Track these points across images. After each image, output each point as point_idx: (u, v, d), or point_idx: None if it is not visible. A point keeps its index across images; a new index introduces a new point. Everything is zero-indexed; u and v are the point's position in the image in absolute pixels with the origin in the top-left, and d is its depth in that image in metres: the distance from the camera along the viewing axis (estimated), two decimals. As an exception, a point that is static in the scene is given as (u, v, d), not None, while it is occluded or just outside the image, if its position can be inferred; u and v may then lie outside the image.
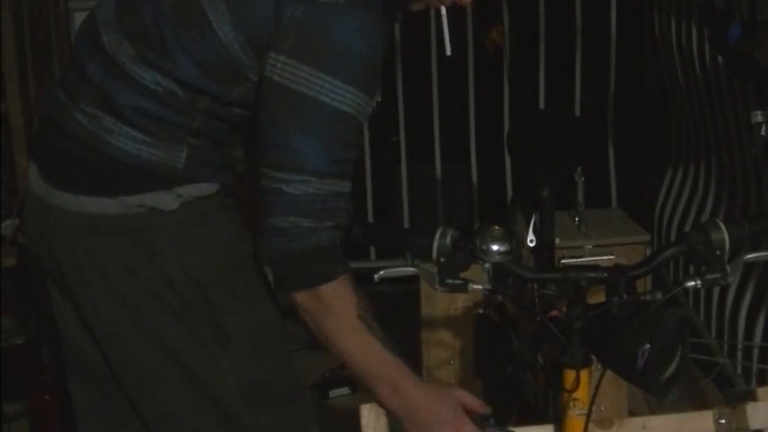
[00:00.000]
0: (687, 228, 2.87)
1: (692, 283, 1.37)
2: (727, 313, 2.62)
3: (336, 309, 1.41)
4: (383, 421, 1.46)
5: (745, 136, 2.49)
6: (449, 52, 1.51)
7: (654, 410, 2.50)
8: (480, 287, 1.40)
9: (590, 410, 1.40)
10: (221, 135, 1.51)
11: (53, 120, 1.54)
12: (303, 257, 1.39)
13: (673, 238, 2.94)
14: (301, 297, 1.41)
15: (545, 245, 1.88)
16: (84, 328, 1.59)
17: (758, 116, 2.32)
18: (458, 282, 1.40)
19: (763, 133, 2.31)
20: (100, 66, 1.48)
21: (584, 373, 1.39)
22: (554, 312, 1.47)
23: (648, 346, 1.28)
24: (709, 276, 1.37)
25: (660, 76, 3.21)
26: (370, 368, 1.44)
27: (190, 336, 1.54)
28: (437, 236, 1.42)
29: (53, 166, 1.54)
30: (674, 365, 1.33)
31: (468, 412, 1.45)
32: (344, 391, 2.92)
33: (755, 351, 2.49)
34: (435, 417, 1.44)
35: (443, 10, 1.46)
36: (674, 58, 2.92)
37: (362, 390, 1.63)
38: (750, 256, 1.41)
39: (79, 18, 3.46)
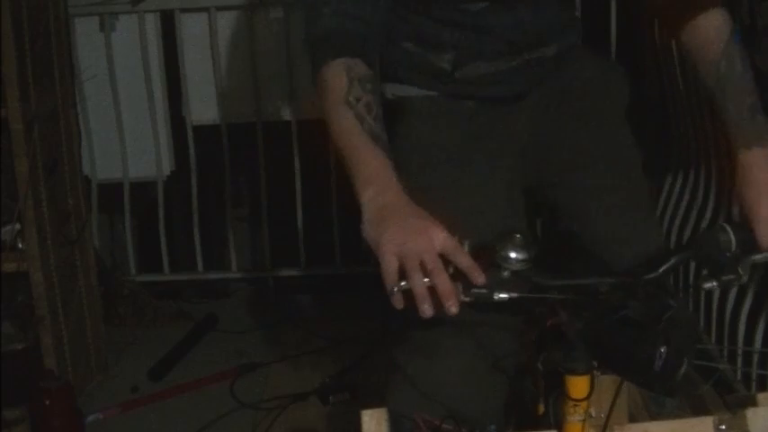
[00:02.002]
0: (687, 234, 2.87)
1: (708, 285, 1.39)
2: (727, 318, 2.62)
3: (327, 90, 1.51)
4: (384, 427, 1.46)
5: (745, 141, 2.48)
6: None
7: (654, 416, 2.49)
8: (507, 296, 1.36)
9: (604, 417, 1.40)
10: None
11: None
12: (308, 43, 1.58)
13: (672, 244, 2.93)
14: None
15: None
16: None
17: (758, 121, 2.31)
18: (483, 291, 1.35)
19: (762, 139, 2.30)
20: None
21: (585, 380, 1.39)
22: (555, 318, 1.47)
23: (665, 348, 1.28)
24: (725, 278, 1.39)
25: (660, 81, 3.21)
26: (348, 153, 1.46)
27: None
28: None
29: None
30: (685, 364, 1.33)
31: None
32: (345, 396, 2.89)
33: (755, 356, 2.49)
34: (412, 224, 1.37)
35: None
36: (674, 62, 2.92)
37: (363, 395, 1.63)
38: (758, 256, 1.42)
39: (79, 23, 3.47)
